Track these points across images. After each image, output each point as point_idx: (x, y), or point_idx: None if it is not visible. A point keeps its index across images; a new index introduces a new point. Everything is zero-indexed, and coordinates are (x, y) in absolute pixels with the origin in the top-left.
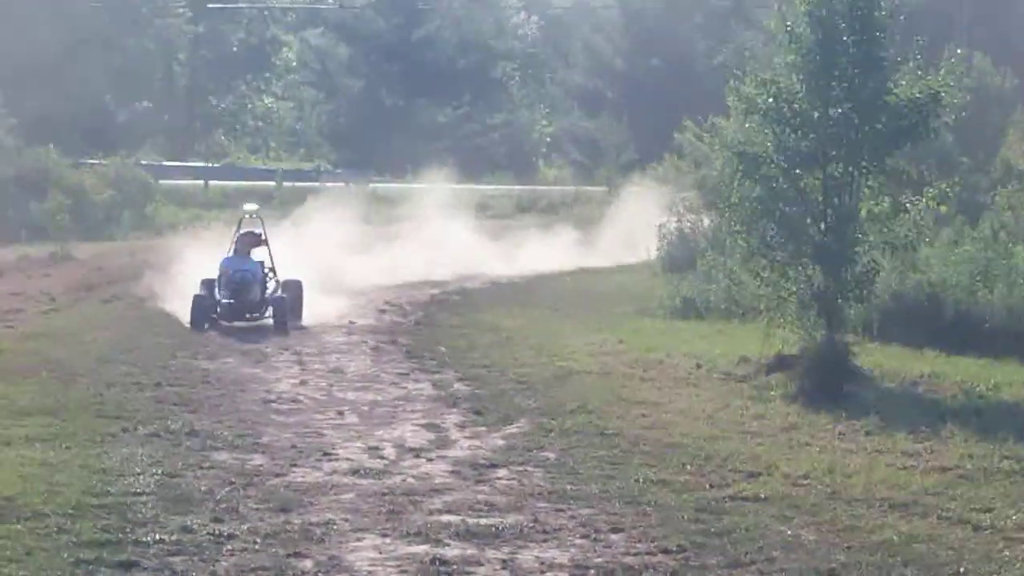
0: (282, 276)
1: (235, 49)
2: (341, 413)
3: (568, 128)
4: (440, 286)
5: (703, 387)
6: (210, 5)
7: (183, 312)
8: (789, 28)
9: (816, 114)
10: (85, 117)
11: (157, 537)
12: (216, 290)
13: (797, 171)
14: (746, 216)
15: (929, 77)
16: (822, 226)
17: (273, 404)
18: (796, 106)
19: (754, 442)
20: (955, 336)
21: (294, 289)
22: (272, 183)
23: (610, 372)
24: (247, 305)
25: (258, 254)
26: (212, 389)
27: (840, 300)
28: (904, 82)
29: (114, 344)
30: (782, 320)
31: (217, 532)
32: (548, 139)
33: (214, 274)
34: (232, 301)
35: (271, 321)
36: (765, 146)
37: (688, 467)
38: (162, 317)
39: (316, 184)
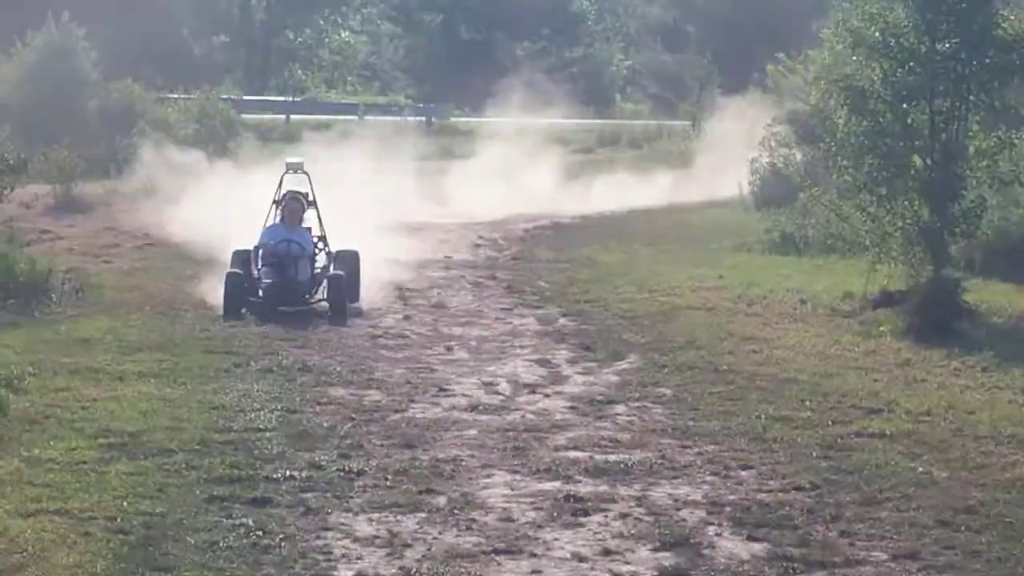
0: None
1: None
2: (450, 348)
3: (647, 62)
4: (533, 220)
5: (810, 323)
6: None
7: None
8: None
9: (923, 48)
10: (163, 51)
11: (287, 473)
12: (254, 267)
13: (904, 106)
14: (852, 151)
15: None
16: (928, 161)
17: (380, 339)
18: (903, 40)
19: (870, 378)
20: None
21: (350, 262)
22: (353, 117)
23: (713, 307)
24: (294, 286)
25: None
26: (318, 324)
27: (947, 236)
28: (1013, 16)
29: (214, 277)
30: (886, 256)
31: (346, 468)
32: (625, 73)
33: (251, 243)
34: (275, 281)
35: (323, 305)
36: (871, 80)
37: (807, 403)
38: None
39: (399, 118)
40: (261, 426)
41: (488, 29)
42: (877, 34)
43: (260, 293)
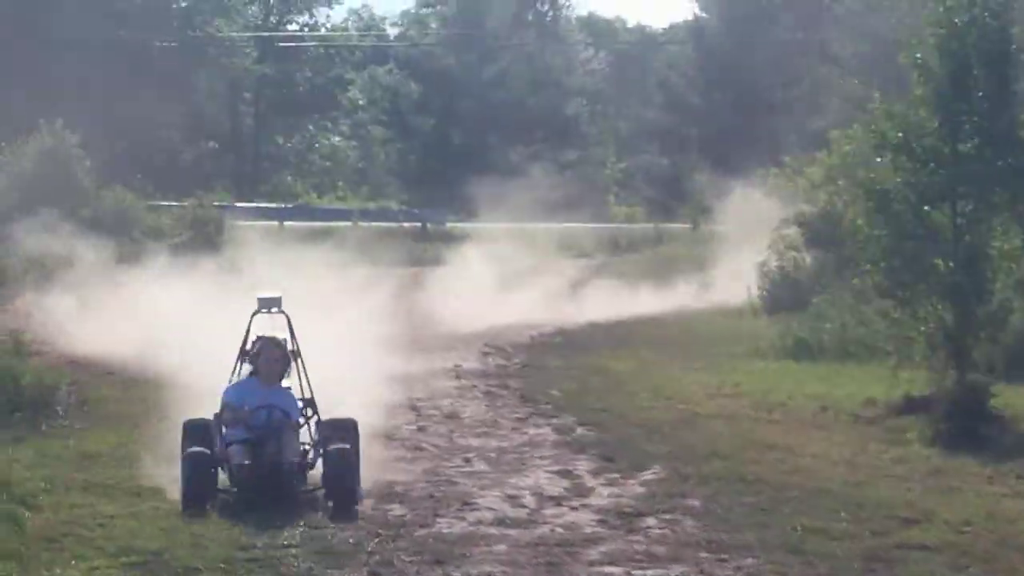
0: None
1: (301, 88)
2: (468, 460)
3: (641, 165)
4: (537, 327)
5: (833, 430)
6: (279, 44)
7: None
8: (920, 61)
9: (946, 149)
10: (152, 158)
11: None
12: (216, 440)
13: (926, 208)
14: (874, 253)
15: None
16: (951, 264)
17: (395, 451)
18: (926, 141)
19: (903, 487)
20: None
21: (348, 435)
22: (347, 223)
23: (733, 416)
24: (279, 469)
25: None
26: None
27: (971, 340)
28: None
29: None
30: (908, 361)
31: None
32: (619, 175)
33: (211, 409)
34: (251, 463)
35: (319, 492)
36: (895, 181)
37: (842, 514)
38: None
39: (394, 224)
40: (285, 543)
41: (480, 133)
42: (900, 135)
43: (229, 478)
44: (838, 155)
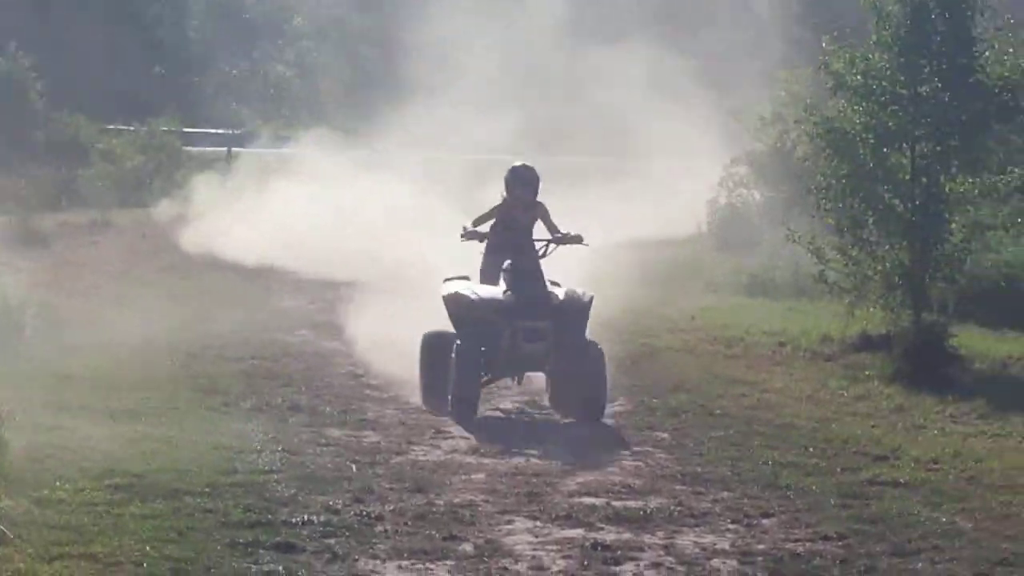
0: None
1: (247, 16)
2: None
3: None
4: None
5: (793, 366)
6: None
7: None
8: (878, 5)
9: (905, 92)
10: (103, 83)
11: (305, 518)
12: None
13: (885, 150)
14: (834, 195)
15: (1021, 58)
16: (910, 205)
17: (363, 378)
18: (885, 84)
19: (868, 424)
20: None
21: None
22: (288, 150)
23: (693, 350)
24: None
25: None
26: (297, 363)
27: (928, 280)
28: (994, 60)
29: (185, 313)
30: (865, 299)
31: (363, 513)
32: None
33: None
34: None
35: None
36: (854, 123)
37: (811, 450)
38: (221, 282)
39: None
40: (266, 468)
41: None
42: (859, 77)
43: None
44: (788, 95)
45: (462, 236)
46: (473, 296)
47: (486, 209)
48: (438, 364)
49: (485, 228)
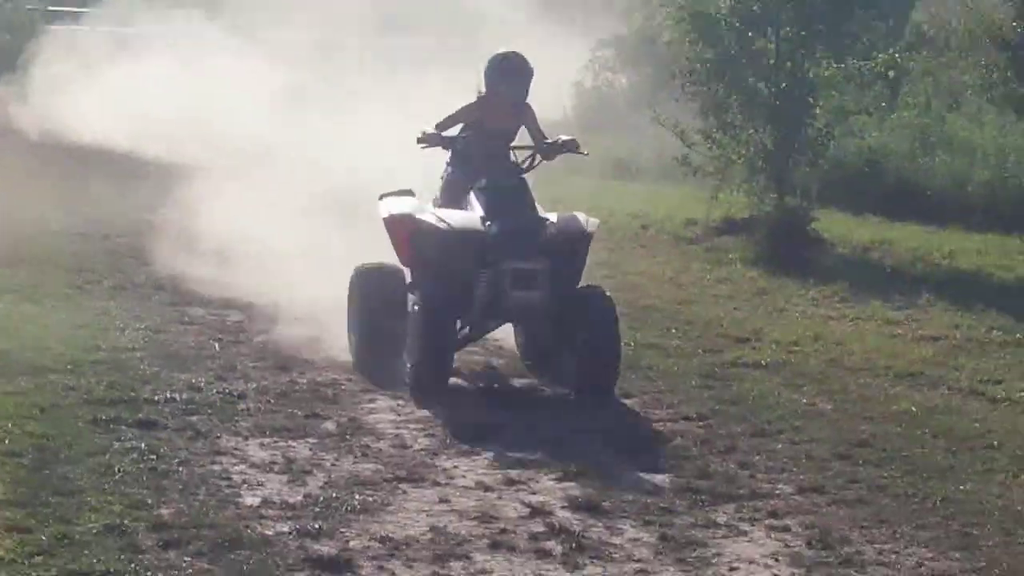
0: None
1: None
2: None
3: None
4: None
5: (656, 249)
6: None
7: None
8: None
9: None
10: None
11: (167, 396)
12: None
13: (750, 33)
14: (698, 78)
15: None
16: (774, 89)
17: (227, 255)
18: None
19: (730, 306)
20: (896, 203)
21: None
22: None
23: None
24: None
25: None
26: (160, 240)
27: (791, 164)
28: None
29: (43, 190)
30: (729, 182)
31: (225, 391)
32: None
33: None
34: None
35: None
36: (719, 7)
37: (673, 331)
38: (80, 155)
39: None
40: (129, 346)
41: None
42: None
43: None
44: None
45: (419, 141)
46: (441, 225)
47: (455, 109)
48: (381, 315)
49: (453, 132)
